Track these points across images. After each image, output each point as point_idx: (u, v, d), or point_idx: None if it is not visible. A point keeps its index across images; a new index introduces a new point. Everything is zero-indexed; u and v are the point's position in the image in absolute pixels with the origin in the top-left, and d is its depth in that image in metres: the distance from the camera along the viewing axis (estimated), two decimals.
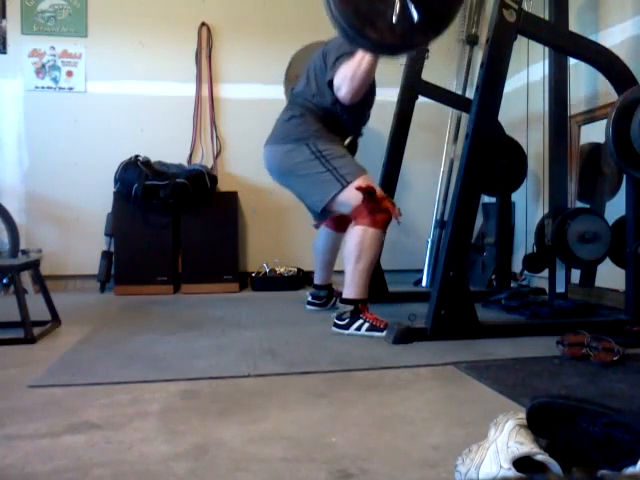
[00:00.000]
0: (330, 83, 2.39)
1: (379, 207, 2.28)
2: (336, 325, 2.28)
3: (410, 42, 1.91)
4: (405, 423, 1.27)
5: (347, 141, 2.51)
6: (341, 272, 2.38)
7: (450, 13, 1.91)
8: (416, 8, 1.77)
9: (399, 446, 1.13)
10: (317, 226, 2.79)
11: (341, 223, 2.59)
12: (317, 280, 2.87)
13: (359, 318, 2.24)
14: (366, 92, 2.40)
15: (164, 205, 3.47)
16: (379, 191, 2.32)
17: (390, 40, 1.82)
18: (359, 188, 2.26)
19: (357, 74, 2.28)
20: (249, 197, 3.84)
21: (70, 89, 3.72)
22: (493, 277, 3.39)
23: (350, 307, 2.27)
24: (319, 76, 2.45)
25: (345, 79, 2.30)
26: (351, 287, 2.31)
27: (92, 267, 3.63)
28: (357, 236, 2.28)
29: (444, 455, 1.07)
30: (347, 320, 2.25)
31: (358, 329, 2.22)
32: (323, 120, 2.43)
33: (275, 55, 3.83)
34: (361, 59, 2.26)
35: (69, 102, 3.72)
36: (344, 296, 2.33)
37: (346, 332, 2.23)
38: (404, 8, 1.77)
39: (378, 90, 2.63)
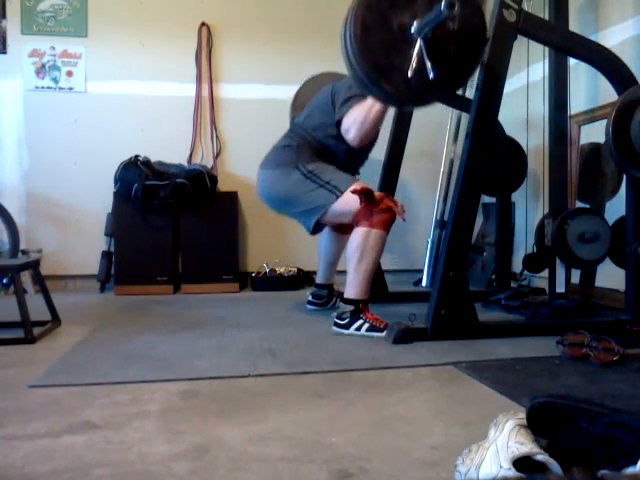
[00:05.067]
0: (338, 123, 2.41)
1: (379, 208, 2.28)
2: (336, 325, 2.28)
3: (423, 98, 1.94)
4: (405, 423, 1.27)
5: None
6: (343, 272, 2.38)
7: (465, 73, 1.94)
8: (432, 65, 1.79)
9: (399, 446, 1.13)
10: (313, 233, 2.79)
11: (344, 226, 2.59)
12: (319, 279, 2.88)
13: (359, 318, 2.24)
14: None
15: (164, 205, 3.47)
16: (378, 193, 2.32)
17: (404, 94, 1.85)
18: (354, 191, 2.26)
19: (368, 119, 2.30)
20: (249, 197, 3.83)
21: (70, 89, 3.72)
22: (493, 277, 3.39)
23: (351, 307, 2.27)
24: (324, 111, 2.47)
25: (355, 123, 2.33)
26: (353, 287, 2.31)
27: (92, 267, 3.63)
28: (360, 237, 2.28)
29: (444, 455, 1.07)
30: (347, 320, 2.25)
31: (358, 329, 2.22)
32: (318, 153, 2.45)
33: (275, 55, 3.83)
34: (372, 105, 2.28)
35: (69, 102, 3.71)
36: (345, 296, 2.33)
37: (346, 332, 2.24)
38: (421, 64, 1.79)
39: None
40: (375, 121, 2.32)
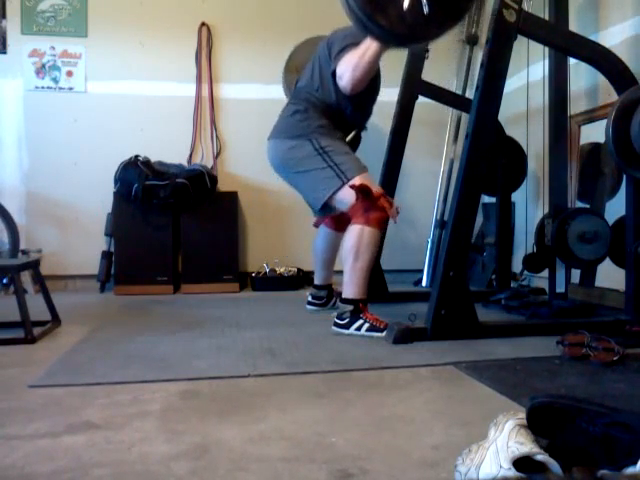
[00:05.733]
0: (334, 73, 2.37)
1: (375, 205, 2.27)
2: (336, 325, 2.28)
3: (419, 33, 1.91)
4: (405, 423, 1.27)
5: (350, 136, 2.50)
6: (341, 272, 2.38)
7: (461, 9, 1.91)
8: (427, 0, 1.77)
9: (399, 446, 1.13)
10: (317, 225, 2.79)
11: (340, 223, 2.58)
12: (317, 280, 2.87)
13: (359, 318, 2.24)
14: (370, 86, 2.38)
15: (164, 205, 3.47)
16: (376, 189, 2.31)
17: (399, 29, 1.82)
18: (352, 187, 2.26)
19: (361, 63, 2.26)
20: (249, 197, 3.84)
21: (70, 89, 3.72)
22: (493, 277, 3.39)
23: (350, 307, 2.27)
24: (323, 68, 2.44)
25: (348, 68, 2.29)
26: (350, 287, 2.30)
27: (92, 267, 3.63)
28: (354, 235, 2.28)
29: (444, 455, 1.07)
30: (347, 320, 2.25)
31: (358, 329, 2.22)
32: (326, 115, 2.42)
33: (275, 55, 3.82)
34: (366, 49, 2.24)
35: (69, 102, 3.72)
36: (344, 296, 2.33)
37: (346, 332, 2.23)
38: None
39: None
40: (367, 65, 2.26)
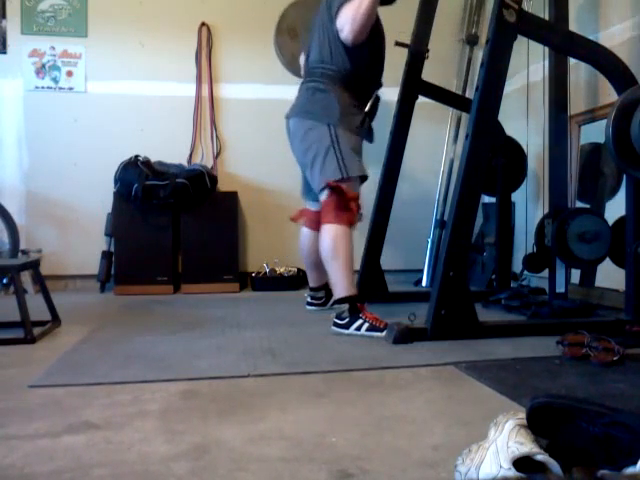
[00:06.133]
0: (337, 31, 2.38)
1: (346, 205, 2.31)
2: (336, 325, 2.28)
3: None
4: (405, 423, 1.27)
5: (368, 105, 2.49)
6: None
7: None
8: None
9: (399, 446, 1.13)
10: (294, 219, 2.79)
11: (319, 223, 2.58)
12: (311, 283, 2.85)
13: (359, 318, 2.24)
14: (373, 32, 2.39)
15: (164, 205, 3.47)
16: (352, 193, 2.33)
17: None
18: (329, 185, 2.30)
19: (358, 14, 2.27)
20: (249, 197, 3.84)
21: (70, 89, 3.72)
22: (493, 277, 3.39)
23: (346, 305, 2.28)
24: (330, 33, 2.43)
25: (348, 20, 2.30)
26: (337, 286, 2.34)
27: (92, 267, 3.63)
28: (327, 236, 2.32)
29: (444, 455, 1.07)
30: (347, 320, 2.25)
31: (358, 329, 2.22)
32: (345, 86, 2.42)
33: (275, 55, 3.82)
34: (361, 1, 2.26)
35: (69, 102, 3.71)
36: (335, 297, 2.36)
37: (346, 332, 2.23)
38: None
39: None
40: (365, 16, 2.28)
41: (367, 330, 2.21)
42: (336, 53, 2.42)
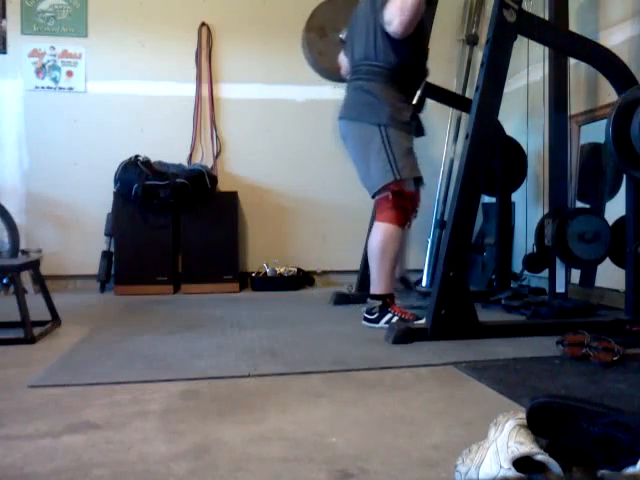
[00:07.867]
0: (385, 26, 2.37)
1: (402, 204, 2.36)
2: (366, 319, 2.38)
3: None
4: (405, 423, 1.27)
5: (416, 97, 2.49)
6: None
7: None
8: None
9: (399, 446, 1.13)
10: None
11: None
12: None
13: (388, 312, 2.34)
14: (418, 26, 2.37)
15: (164, 205, 3.47)
16: (407, 192, 2.37)
17: None
18: (387, 187, 2.34)
19: (406, 5, 2.25)
20: (249, 197, 3.84)
21: (70, 89, 3.72)
22: (493, 277, 3.39)
23: (379, 302, 2.37)
24: (374, 26, 2.41)
25: (397, 12, 2.28)
26: (376, 282, 2.41)
27: (92, 267, 3.63)
28: (379, 233, 2.38)
29: (444, 455, 1.07)
30: (377, 315, 2.36)
31: (388, 322, 2.29)
32: (392, 80, 2.41)
33: (275, 55, 3.83)
34: None
35: (69, 102, 3.72)
36: (372, 292, 2.43)
37: (377, 326, 2.32)
38: None
39: None
40: (414, 7, 2.26)
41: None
42: (381, 48, 2.41)
